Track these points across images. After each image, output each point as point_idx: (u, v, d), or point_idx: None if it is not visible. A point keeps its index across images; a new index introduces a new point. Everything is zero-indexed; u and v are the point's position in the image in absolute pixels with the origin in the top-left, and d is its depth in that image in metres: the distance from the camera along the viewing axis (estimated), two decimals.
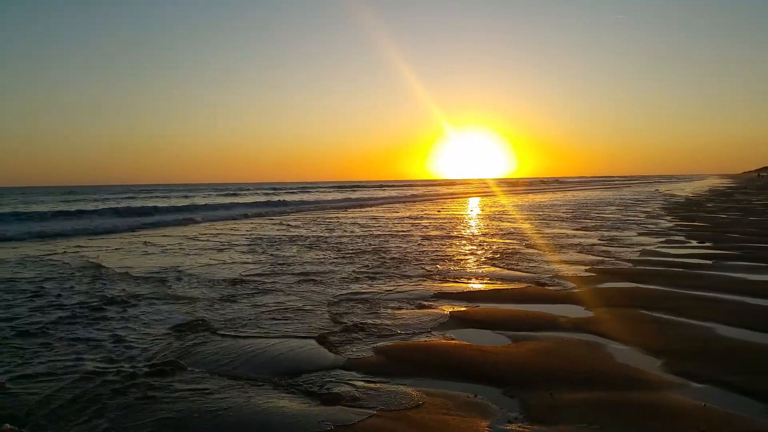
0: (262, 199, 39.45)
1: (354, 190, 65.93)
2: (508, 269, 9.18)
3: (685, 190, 51.19)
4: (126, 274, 9.25)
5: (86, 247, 13.58)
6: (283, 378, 4.43)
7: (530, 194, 50.54)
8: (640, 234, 14.12)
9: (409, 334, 5.53)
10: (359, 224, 19.22)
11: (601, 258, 10.15)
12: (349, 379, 4.36)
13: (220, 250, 12.29)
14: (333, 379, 4.37)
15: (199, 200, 41.67)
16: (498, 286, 7.83)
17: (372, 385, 4.25)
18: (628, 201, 32.08)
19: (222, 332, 5.70)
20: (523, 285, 7.85)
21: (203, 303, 7.00)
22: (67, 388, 4.22)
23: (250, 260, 10.71)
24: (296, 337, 5.52)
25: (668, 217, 19.36)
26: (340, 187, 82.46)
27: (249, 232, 16.91)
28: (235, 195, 54.75)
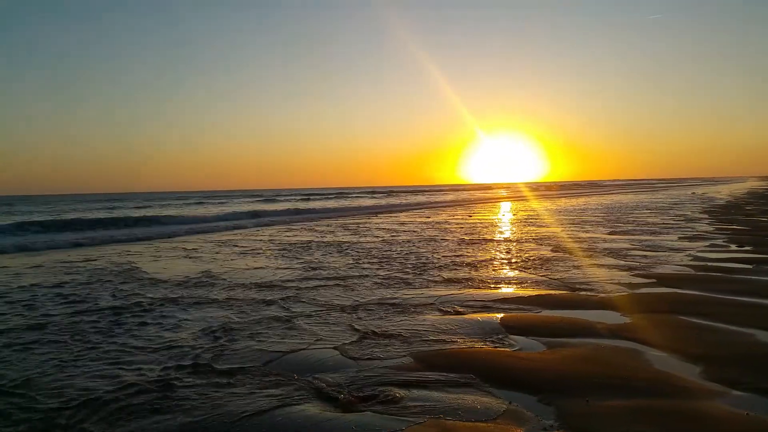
0: (294, 206, 39.84)
1: (387, 195, 66.11)
2: (542, 275, 9.10)
3: (722, 192, 49.89)
4: (169, 279, 9.45)
5: (133, 252, 13.90)
6: (314, 381, 4.47)
7: (563, 198, 49.89)
8: (677, 238, 13.83)
9: (444, 340, 5.53)
10: (390, 229, 19.24)
11: (637, 263, 9.98)
12: (383, 385, 4.38)
13: (255, 255, 12.45)
14: (365, 385, 4.39)
15: (236, 207, 42.24)
16: (532, 291, 7.77)
17: (406, 391, 4.27)
18: (664, 204, 31.43)
19: (256, 335, 5.78)
20: (558, 291, 7.78)
21: (239, 306, 7.11)
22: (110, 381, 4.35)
23: (283, 265, 10.83)
24: (328, 341, 5.56)
25: (706, 221, 18.92)
26: (373, 192, 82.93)
27: (283, 238, 17.09)
28: (271, 201, 55.59)
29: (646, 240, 13.57)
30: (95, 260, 12.63)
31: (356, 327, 6.10)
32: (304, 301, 7.47)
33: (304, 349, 5.38)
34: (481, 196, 62.78)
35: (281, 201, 54.93)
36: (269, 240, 16.88)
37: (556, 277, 8.80)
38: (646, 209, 27.09)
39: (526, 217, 24.83)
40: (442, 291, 7.94)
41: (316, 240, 16.29)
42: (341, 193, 79.46)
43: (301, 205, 40.64)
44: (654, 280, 8.32)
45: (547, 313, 6.59)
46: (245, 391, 4.33)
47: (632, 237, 14.38)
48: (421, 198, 56.55)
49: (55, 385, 4.54)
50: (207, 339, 5.79)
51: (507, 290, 7.99)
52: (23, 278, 10.15)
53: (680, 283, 8.06)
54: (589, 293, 7.55)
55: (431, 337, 5.63)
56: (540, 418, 3.74)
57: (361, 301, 7.43)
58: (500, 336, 5.67)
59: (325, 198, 61.67)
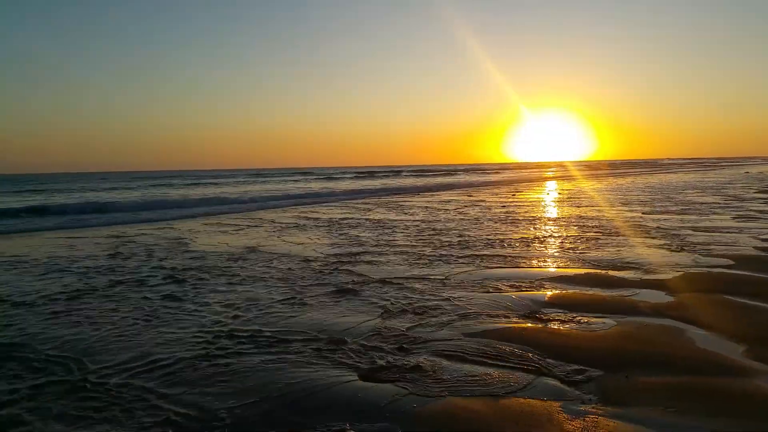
0: (349, 185, 41.22)
1: (434, 175, 65.80)
2: (588, 254, 9.05)
3: None
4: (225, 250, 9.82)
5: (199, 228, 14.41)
6: (360, 351, 4.66)
7: (610, 177, 48.81)
8: (731, 218, 13.46)
9: (490, 317, 5.63)
10: (433, 209, 19.32)
11: (685, 242, 9.80)
12: (429, 359, 4.53)
13: (305, 230, 12.76)
14: (411, 360, 4.55)
15: (305, 184, 44.84)
16: (576, 270, 7.77)
17: (451, 363, 4.40)
18: (716, 184, 30.43)
19: (312, 303, 6.02)
20: (602, 270, 7.75)
21: (301, 276, 7.37)
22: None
23: (337, 241, 11.07)
24: (367, 314, 5.74)
25: (759, 200, 18.29)
26: (422, 171, 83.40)
27: (331, 216, 17.38)
28: (332, 179, 56.93)
29: (695, 219, 13.26)
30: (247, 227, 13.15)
31: (401, 304, 6.25)
32: (346, 273, 7.68)
33: (350, 319, 5.57)
34: (526, 176, 61.85)
35: (340, 179, 56.33)
36: (319, 216, 17.18)
37: (601, 256, 8.74)
38: (697, 189, 26.31)
39: (570, 196, 24.47)
40: (485, 270, 8.01)
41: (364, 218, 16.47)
42: (394, 172, 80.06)
43: (356, 185, 41.92)
44: (703, 260, 8.18)
45: (590, 291, 6.60)
46: (296, 358, 4.56)
47: (681, 216, 14.06)
48: (464, 178, 56.13)
49: (114, 348, 4.87)
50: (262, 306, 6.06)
51: (550, 268, 8.00)
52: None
53: (731, 263, 7.91)
54: (634, 272, 7.50)
55: (473, 311, 5.74)
56: (579, 393, 3.82)
57: (402, 276, 7.58)
58: (542, 313, 5.73)
59: (384, 175, 63.98)
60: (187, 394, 3.94)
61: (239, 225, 15.41)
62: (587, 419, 3.42)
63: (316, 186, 42.16)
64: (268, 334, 5.24)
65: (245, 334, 5.23)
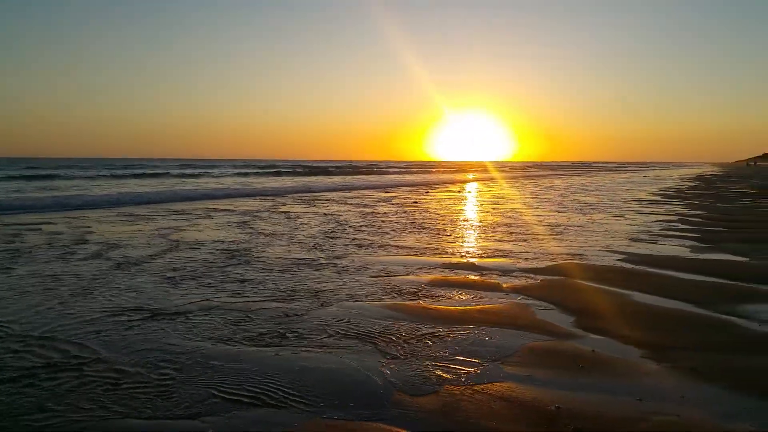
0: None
1: (348, 172, 65.87)
2: (476, 245, 10.06)
3: (672, 176, 52.01)
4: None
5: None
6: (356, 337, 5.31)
7: (522, 179, 51.33)
8: (610, 216, 15.00)
9: (374, 294, 6.41)
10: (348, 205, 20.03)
11: (563, 237, 11.04)
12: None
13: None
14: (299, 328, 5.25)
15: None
16: (462, 259, 8.73)
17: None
18: (613, 185, 32.95)
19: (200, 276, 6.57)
20: (482, 258, 8.74)
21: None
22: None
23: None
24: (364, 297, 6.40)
25: (642, 202, 20.26)
26: (351, 167, 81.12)
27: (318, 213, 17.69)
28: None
29: (573, 216, 14.71)
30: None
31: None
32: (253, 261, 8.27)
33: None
34: (442, 177, 63.80)
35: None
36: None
37: (487, 246, 9.78)
38: (594, 190, 28.49)
39: (480, 196, 25.92)
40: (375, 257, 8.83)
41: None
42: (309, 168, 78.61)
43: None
44: (566, 251, 9.36)
45: (465, 274, 7.53)
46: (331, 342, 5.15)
47: (563, 213, 15.52)
48: (383, 178, 56.98)
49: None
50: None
51: (445, 258, 8.93)
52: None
53: (592, 253, 9.11)
54: (510, 260, 8.55)
55: (361, 293, 6.52)
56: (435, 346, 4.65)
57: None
58: (422, 290, 6.59)
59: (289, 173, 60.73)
60: None
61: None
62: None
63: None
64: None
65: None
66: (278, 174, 52.64)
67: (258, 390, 3.87)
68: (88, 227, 12.52)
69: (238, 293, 6.49)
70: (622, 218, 14.66)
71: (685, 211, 16.93)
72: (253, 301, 6.15)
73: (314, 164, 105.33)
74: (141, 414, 3.52)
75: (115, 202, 19.56)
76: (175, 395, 3.78)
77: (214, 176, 47.18)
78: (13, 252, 9.07)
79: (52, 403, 3.65)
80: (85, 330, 5.13)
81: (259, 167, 70.21)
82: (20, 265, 8.06)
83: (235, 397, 3.75)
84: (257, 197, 23.67)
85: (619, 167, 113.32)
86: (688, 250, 9.59)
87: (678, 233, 11.68)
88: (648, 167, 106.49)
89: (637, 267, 8.08)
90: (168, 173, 49.69)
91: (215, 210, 17.22)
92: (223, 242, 10.31)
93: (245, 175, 50.38)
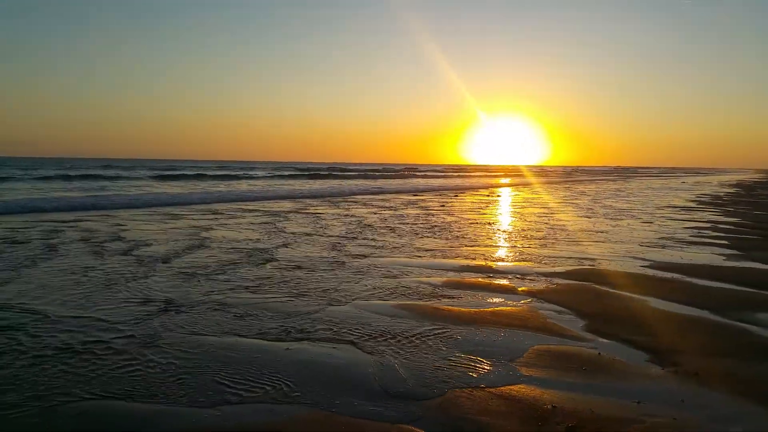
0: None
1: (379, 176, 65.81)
2: (501, 251, 10.08)
3: (712, 183, 50.76)
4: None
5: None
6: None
7: (558, 184, 50.72)
8: (639, 222, 14.80)
9: (393, 293, 6.54)
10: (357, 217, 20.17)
11: (574, 241, 10.97)
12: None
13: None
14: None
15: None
16: (480, 262, 8.78)
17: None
18: (650, 191, 32.37)
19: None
20: (497, 262, 8.77)
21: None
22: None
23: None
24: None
25: (675, 209, 19.90)
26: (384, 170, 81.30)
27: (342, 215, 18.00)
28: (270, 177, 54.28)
29: (598, 223, 14.57)
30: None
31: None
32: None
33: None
34: (473, 181, 63.49)
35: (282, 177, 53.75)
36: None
37: (507, 250, 9.80)
38: (627, 196, 28.05)
39: (508, 200, 25.80)
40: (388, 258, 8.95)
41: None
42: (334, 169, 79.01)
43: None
44: (594, 256, 9.31)
45: (482, 277, 7.59)
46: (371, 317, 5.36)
47: (586, 219, 15.37)
48: (417, 182, 56.84)
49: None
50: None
51: (463, 261, 8.99)
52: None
53: (615, 258, 9.05)
54: (530, 263, 8.56)
55: (379, 293, 6.64)
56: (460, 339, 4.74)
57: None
58: (437, 291, 6.68)
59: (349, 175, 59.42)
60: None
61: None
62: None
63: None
64: None
65: None
66: (314, 177, 52.87)
67: (265, 382, 4.03)
68: (122, 226, 12.95)
69: (256, 289, 6.70)
70: (652, 224, 14.46)
71: (719, 218, 16.59)
72: (272, 300, 6.33)
73: (350, 166, 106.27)
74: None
75: (153, 202, 20.13)
76: (189, 383, 3.97)
77: (250, 177, 48.03)
78: (49, 246, 9.49)
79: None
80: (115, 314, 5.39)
81: (297, 169, 71.93)
82: (58, 258, 8.43)
83: (242, 389, 3.91)
84: (289, 199, 24.04)
85: (663, 173, 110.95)
86: (716, 257, 9.44)
87: (708, 240, 11.48)
88: (688, 173, 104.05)
89: (658, 273, 8.02)
90: (205, 174, 50.44)
91: (246, 210, 17.60)
92: (249, 241, 10.57)
93: (281, 177, 51.10)
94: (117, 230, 12.02)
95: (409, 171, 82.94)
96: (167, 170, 59.59)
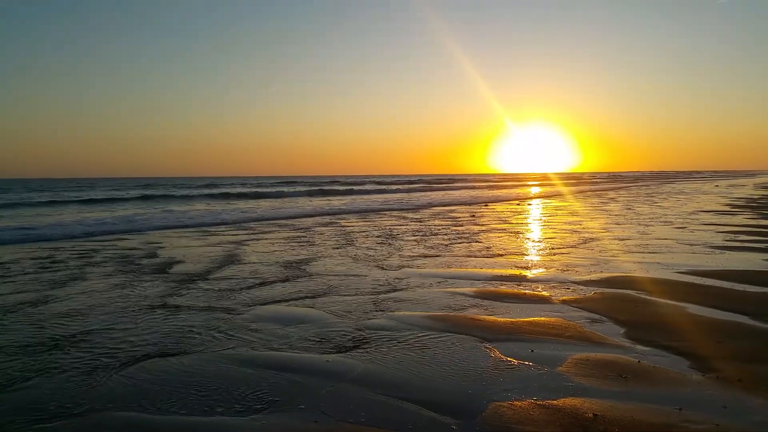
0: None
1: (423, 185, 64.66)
2: (536, 261, 10.09)
3: (747, 185, 49.66)
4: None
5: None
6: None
7: (590, 191, 50.16)
8: (672, 228, 14.62)
9: (426, 303, 6.62)
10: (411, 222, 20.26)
11: (602, 247, 10.91)
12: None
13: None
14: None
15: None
16: (506, 271, 8.81)
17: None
18: (681, 195, 31.83)
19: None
20: (527, 271, 8.79)
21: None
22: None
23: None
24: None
25: (708, 213, 19.57)
26: (412, 182, 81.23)
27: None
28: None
29: (640, 229, 14.42)
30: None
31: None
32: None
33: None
34: (501, 192, 63.05)
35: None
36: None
37: (540, 258, 9.80)
38: (660, 201, 27.63)
39: (538, 210, 25.64)
40: (416, 268, 9.02)
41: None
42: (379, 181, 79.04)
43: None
44: (627, 263, 9.25)
45: (515, 287, 7.62)
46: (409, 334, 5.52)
47: (629, 226, 15.22)
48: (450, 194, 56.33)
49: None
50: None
51: (495, 270, 9.04)
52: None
53: (648, 265, 8.99)
54: (564, 272, 8.57)
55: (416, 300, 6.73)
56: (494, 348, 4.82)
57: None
58: (470, 301, 6.74)
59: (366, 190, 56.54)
60: None
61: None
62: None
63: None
64: None
65: None
66: (349, 193, 48.90)
67: (294, 393, 4.15)
68: (159, 243, 13.30)
69: (302, 300, 6.85)
70: (685, 229, 14.27)
71: (753, 222, 16.27)
72: (314, 313, 6.47)
73: (383, 179, 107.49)
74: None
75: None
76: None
77: (287, 195, 44.56)
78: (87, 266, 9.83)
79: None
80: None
81: (338, 182, 72.97)
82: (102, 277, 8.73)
83: (273, 398, 4.04)
84: (323, 215, 24.31)
85: (695, 176, 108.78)
86: (752, 262, 9.31)
87: (743, 245, 11.31)
88: (719, 176, 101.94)
89: (693, 279, 7.95)
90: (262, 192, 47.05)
91: (281, 226, 17.88)
92: (281, 254, 10.78)
93: (321, 193, 48.08)
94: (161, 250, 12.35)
95: (440, 182, 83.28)
96: (212, 187, 60.05)
